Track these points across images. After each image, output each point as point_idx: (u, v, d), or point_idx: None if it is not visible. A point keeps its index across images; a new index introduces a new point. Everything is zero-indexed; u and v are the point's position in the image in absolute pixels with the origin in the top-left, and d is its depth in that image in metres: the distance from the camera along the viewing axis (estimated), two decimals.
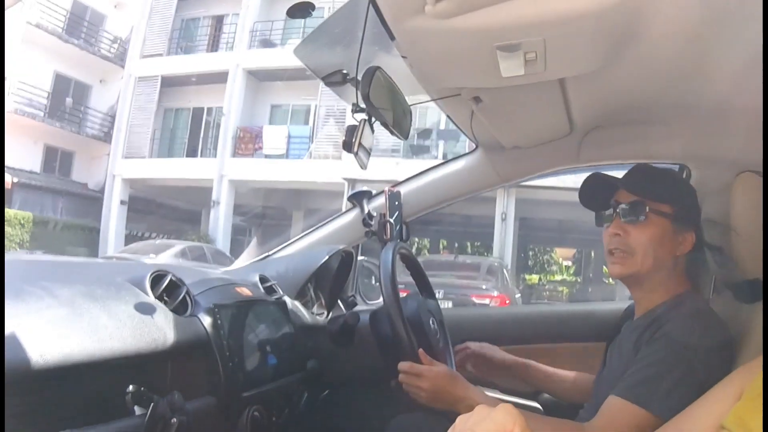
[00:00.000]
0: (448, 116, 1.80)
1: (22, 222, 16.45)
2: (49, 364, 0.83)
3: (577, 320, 2.23)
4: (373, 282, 2.42)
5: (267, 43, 18.30)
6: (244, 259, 2.31)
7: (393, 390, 1.80)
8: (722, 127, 1.63)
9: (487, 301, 9.30)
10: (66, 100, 19.45)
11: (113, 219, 18.18)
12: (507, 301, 9.73)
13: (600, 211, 1.48)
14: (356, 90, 1.30)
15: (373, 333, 1.61)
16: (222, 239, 17.19)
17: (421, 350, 1.47)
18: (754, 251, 1.33)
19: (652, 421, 1.21)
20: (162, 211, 20.34)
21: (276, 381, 1.37)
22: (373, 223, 1.93)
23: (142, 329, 1.02)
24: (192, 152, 19.08)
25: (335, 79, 1.35)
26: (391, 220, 1.84)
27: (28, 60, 16.70)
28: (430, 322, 1.64)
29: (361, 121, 1.36)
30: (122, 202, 18.39)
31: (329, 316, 1.87)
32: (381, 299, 1.51)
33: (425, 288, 1.84)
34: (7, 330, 0.82)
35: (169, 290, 1.18)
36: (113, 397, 0.93)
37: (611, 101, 1.63)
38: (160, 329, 1.06)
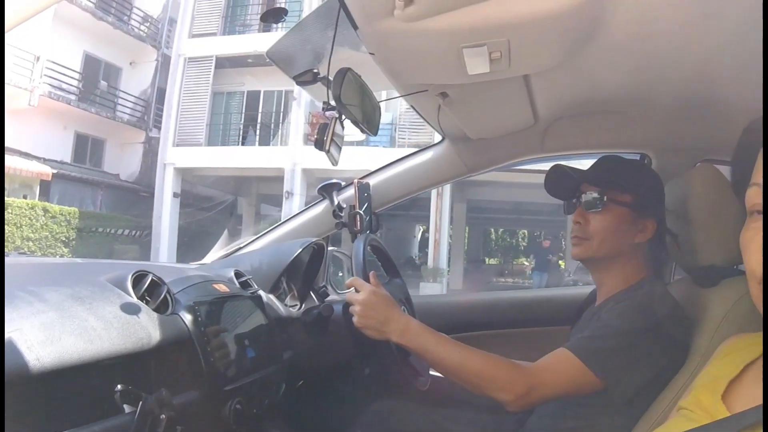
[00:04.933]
0: (414, 108, 1.84)
1: (68, 218, 14.84)
2: (45, 368, 0.85)
3: (543, 305, 2.30)
4: (340, 274, 2.46)
5: None
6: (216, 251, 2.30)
7: (367, 378, 1.86)
8: (680, 117, 1.71)
9: None
10: (100, 82, 17.83)
11: (165, 213, 16.03)
12: None
13: (567, 200, 1.54)
14: (327, 89, 1.33)
15: (346, 323, 1.65)
16: None
17: (372, 272, 1.52)
18: (709, 238, 1.41)
19: (590, 378, 1.29)
20: (205, 203, 18.07)
21: (255, 373, 1.40)
22: (343, 214, 1.97)
23: (128, 329, 1.04)
24: (245, 139, 17.41)
25: (307, 79, 1.38)
26: (361, 212, 1.88)
27: (58, 39, 15.24)
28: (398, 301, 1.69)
29: (332, 119, 1.40)
30: (175, 195, 16.34)
31: (302, 308, 1.90)
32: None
33: (390, 269, 1.91)
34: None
35: (150, 289, 1.20)
36: (102, 397, 0.94)
37: (573, 94, 1.69)
38: (145, 329, 1.08)
